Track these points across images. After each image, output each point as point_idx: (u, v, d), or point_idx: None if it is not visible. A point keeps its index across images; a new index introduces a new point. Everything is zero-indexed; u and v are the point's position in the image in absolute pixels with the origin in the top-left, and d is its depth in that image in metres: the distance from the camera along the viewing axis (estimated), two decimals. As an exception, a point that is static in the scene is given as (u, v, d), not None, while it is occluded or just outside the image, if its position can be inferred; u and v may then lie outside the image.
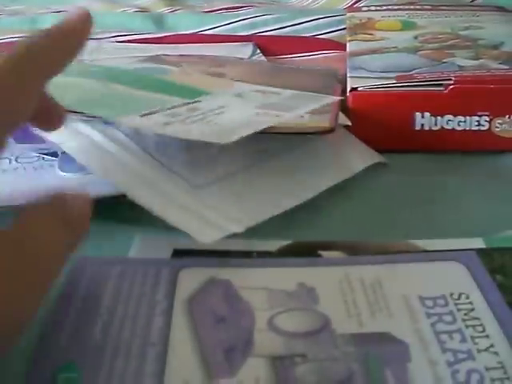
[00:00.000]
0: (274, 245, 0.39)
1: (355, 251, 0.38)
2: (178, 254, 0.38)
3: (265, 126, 0.43)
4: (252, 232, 0.39)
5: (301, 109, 0.48)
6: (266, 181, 0.44)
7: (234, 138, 0.41)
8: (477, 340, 0.31)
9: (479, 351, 0.30)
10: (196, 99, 0.49)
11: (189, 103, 0.48)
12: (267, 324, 0.32)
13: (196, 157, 0.44)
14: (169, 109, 0.46)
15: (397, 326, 0.32)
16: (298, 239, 0.40)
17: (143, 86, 0.51)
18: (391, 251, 0.38)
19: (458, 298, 0.34)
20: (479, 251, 0.37)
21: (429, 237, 0.39)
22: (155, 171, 0.42)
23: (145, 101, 0.48)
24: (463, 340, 0.31)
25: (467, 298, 0.34)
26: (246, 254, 0.38)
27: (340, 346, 0.31)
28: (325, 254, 0.38)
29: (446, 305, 0.33)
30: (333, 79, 0.57)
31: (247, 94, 0.52)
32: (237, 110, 0.47)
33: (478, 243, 0.38)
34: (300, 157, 0.46)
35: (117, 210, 0.41)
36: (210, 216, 0.39)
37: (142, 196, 0.40)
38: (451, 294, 0.34)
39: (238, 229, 0.38)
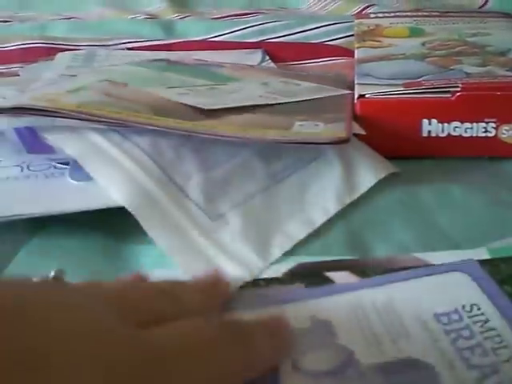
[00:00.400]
0: (278, 268, 0.39)
1: (362, 271, 0.38)
2: None
3: (251, 103, 0.50)
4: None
5: (306, 96, 0.53)
6: (277, 208, 0.44)
7: (215, 107, 0.48)
8: (498, 351, 0.31)
9: (503, 362, 0.30)
10: (224, 82, 0.55)
11: (215, 85, 0.55)
12: (292, 367, 0.31)
13: (211, 178, 0.45)
14: (193, 86, 0.53)
15: (418, 348, 0.31)
16: (303, 250, 0.40)
17: (190, 74, 0.58)
18: (397, 267, 0.38)
19: (470, 310, 0.33)
20: (485, 262, 0.37)
21: (434, 244, 0.40)
22: (171, 196, 0.42)
23: (182, 82, 0.55)
24: (485, 354, 0.31)
25: (479, 309, 0.34)
26: (253, 283, 0.38)
27: (368, 379, 0.30)
28: (332, 275, 0.38)
29: (461, 319, 0.33)
30: (343, 85, 0.57)
31: (272, 83, 0.56)
32: (248, 93, 0.52)
33: (482, 253, 0.38)
34: (311, 176, 0.46)
35: (125, 220, 0.42)
36: (221, 262, 0.39)
37: (154, 226, 0.40)
38: (463, 307, 0.34)
39: (250, 276, 0.38)
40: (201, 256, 0.39)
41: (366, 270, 0.38)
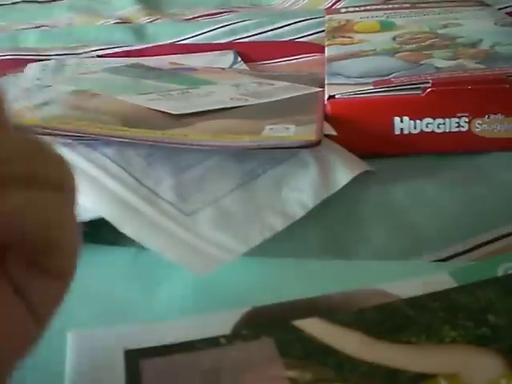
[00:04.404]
0: (230, 318, 0.33)
1: (331, 314, 0.33)
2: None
3: (222, 106, 0.51)
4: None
5: (279, 96, 0.54)
6: (255, 202, 0.43)
7: (186, 111, 0.49)
8: None
9: None
10: (197, 86, 0.56)
11: (188, 89, 0.55)
12: None
13: (183, 180, 0.44)
14: (165, 91, 0.54)
15: None
16: (278, 250, 0.39)
17: (164, 80, 0.59)
18: (365, 306, 0.34)
19: None
20: (458, 290, 0.34)
21: (410, 246, 0.40)
22: (142, 198, 0.41)
23: (154, 87, 0.56)
24: None
25: None
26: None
27: None
28: (301, 324, 0.33)
29: None
30: (316, 83, 0.56)
31: (244, 84, 0.57)
32: (220, 96, 0.53)
33: (444, 278, 0.35)
34: (288, 171, 0.45)
35: (99, 234, 0.41)
36: (201, 246, 0.38)
37: (129, 225, 0.39)
38: None
39: (231, 258, 0.37)
40: (178, 241, 0.38)
41: (335, 313, 0.33)
